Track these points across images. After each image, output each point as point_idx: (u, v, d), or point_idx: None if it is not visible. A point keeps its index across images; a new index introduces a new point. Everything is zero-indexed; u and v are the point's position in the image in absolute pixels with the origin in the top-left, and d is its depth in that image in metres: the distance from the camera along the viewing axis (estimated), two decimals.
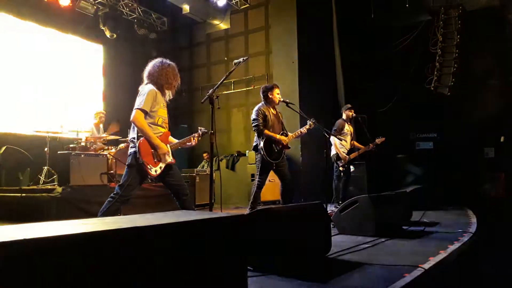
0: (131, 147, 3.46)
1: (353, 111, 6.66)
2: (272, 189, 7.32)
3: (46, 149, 6.54)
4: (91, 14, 9.02)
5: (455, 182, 7.47)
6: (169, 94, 3.63)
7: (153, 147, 3.40)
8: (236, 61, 3.79)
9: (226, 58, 10.81)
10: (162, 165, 3.48)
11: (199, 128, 3.87)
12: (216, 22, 10.70)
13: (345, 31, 8.39)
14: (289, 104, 5.05)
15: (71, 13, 8.80)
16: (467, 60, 7.83)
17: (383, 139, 6.44)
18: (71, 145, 6.59)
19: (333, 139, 6.36)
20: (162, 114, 3.52)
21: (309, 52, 8.52)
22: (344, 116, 6.70)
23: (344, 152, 6.45)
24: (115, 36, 9.37)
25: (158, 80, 3.50)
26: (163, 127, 3.54)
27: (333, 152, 6.53)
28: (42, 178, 6.33)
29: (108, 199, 3.39)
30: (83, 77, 9.42)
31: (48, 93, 8.48)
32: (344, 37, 8.39)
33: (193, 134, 3.80)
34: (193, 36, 11.63)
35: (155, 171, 3.42)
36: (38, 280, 1.15)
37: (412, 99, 8.27)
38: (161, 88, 3.52)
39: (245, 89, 10.37)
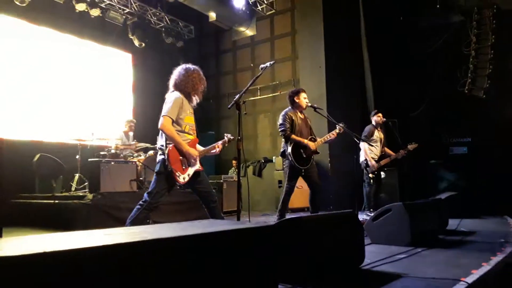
0: (159, 155, 3.45)
1: (381, 115, 6.45)
2: (300, 196, 7.17)
3: (77, 156, 6.65)
4: (120, 24, 9.19)
5: (492, 189, 7.10)
6: (196, 100, 3.60)
7: (182, 153, 3.38)
8: (262, 65, 3.72)
9: (252, 65, 10.78)
10: (191, 172, 3.45)
11: (225, 134, 3.83)
12: (242, 29, 10.70)
13: (373, 34, 8.18)
14: (317, 109, 4.93)
15: (101, 23, 9.00)
16: (503, 61, 7.47)
17: (416, 145, 6.19)
18: (102, 153, 6.67)
19: (362, 145, 6.17)
20: (189, 121, 3.50)
21: (336, 56, 8.36)
22: (373, 122, 6.51)
23: (373, 159, 6.24)
24: (143, 45, 9.50)
25: (184, 88, 3.48)
26: (190, 134, 3.52)
27: (362, 158, 6.34)
28: (74, 185, 6.43)
29: (137, 206, 3.37)
30: (113, 85, 9.58)
31: (80, 102, 8.66)
32: (372, 40, 8.18)
33: (218, 142, 3.75)
34: (220, 44, 11.67)
35: (184, 178, 3.39)
36: None
37: (444, 102, 7.96)
38: (187, 96, 3.50)
39: (271, 95, 10.30)
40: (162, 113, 3.36)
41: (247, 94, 10.76)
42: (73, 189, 6.38)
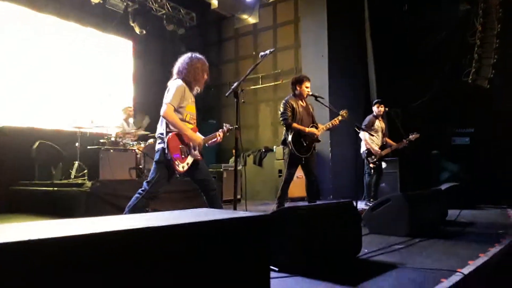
0: (158, 143, 3.44)
1: (383, 105, 6.41)
2: (300, 185, 7.15)
3: (77, 144, 6.64)
4: (121, 11, 9.11)
5: (494, 180, 7.07)
6: (197, 89, 3.58)
7: (187, 138, 3.39)
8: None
9: (254, 53, 10.69)
10: (190, 161, 3.45)
11: (224, 124, 3.80)
12: (244, 16, 10.57)
13: (377, 24, 8.09)
14: (318, 98, 4.89)
15: (102, 10, 8.92)
16: (509, 50, 7.37)
17: (417, 135, 6.16)
18: (101, 141, 6.66)
19: (363, 135, 6.14)
20: (190, 110, 3.49)
21: (339, 45, 8.29)
22: (374, 112, 6.47)
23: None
24: (144, 32, 9.43)
25: (186, 77, 3.47)
26: (191, 123, 3.51)
27: (363, 148, 6.31)
28: (73, 172, 6.43)
29: (136, 194, 3.38)
30: (113, 73, 9.54)
31: (80, 89, 8.63)
32: (376, 29, 8.09)
33: (218, 131, 3.74)
34: (222, 31, 11.58)
35: (183, 167, 3.39)
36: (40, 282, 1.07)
37: (448, 92, 7.89)
38: (189, 84, 3.49)
39: (273, 83, 10.23)
40: (165, 101, 3.34)
41: (248, 82, 10.73)
42: (72, 176, 6.38)
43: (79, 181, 5.99)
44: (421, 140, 6.30)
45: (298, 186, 6.91)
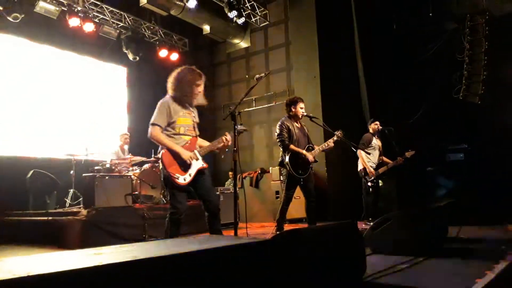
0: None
1: (378, 123, 6.44)
2: (298, 206, 7.09)
3: (72, 172, 6.56)
4: (114, 38, 9.16)
5: (491, 195, 7.04)
6: (196, 101, 3.56)
7: (174, 154, 3.33)
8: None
9: (247, 76, 10.76)
10: (193, 171, 3.39)
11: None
12: (236, 41, 10.70)
13: (367, 43, 8.19)
14: (312, 119, 4.90)
15: (95, 38, 8.96)
16: (497, 67, 7.47)
17: (413, 152, 6.16)
18: (96, 167, 6.58)
19: (359, 153, 6.13)
20: (183, 122, 3.46)
21: (331, 66, 8.36)
22: (370, 130, 6.49)
23: (371, 167, 6.19)
24: (137, 58, 9.47)
25: (174, 92, 3.48)
26: (187, 135, 3.48)
27: (360, 167, 6.29)
28: (68, 201, 6.35)
29: (167, 219, 3.42)
30: (108, 100, 9.53)
31: (74, 117, 8.58)
32: (366, 48, 8.19)
33: (225, 134, 3.61)
34: (214, 56, 11.67)
35: (184, 179, 3.33)
36: None
37: (440, 109, 7.94)
38: (179, 99, 3.47)
39: (266, 105, 10.26)
40: (150, 122, 3.37)
41: (242, 105, 10.75)
42: (67, 205, 6.28)
43: (75, 210, 5.89)
44: (416, 157, 6.30)
45: (296, 207, 6.82)
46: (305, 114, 4.97)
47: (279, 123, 4.93)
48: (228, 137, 3.58)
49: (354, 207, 6.96)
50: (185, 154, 3.37)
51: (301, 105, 5.00)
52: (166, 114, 3.37)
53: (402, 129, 7.75)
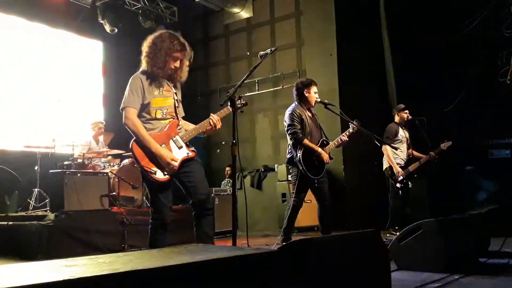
0: None
1: (408, 112, 6.44)
2: (308, 212, 7.12)
3: (36, 167, 6.58)
4: (87, 6, 9.15)
5: None
6: (179, 78, 3.47)
7: (154, 150, 3.20)
8: (262, 53, 3.67)
9: (248, 53, 10.75)
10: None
11: (235, 112, 3.38)
12: (235, 10, 10.65)
13: (395, 15, 8.15)
14: (328, 106, 4.90)
15: (64, 5, 8.93)
16: None
17: (450, 143, 6.16)
18: (66, 163, 6.60)
19: (384, 149, 6.13)
20: (159, 103, 3.35)
21: (350, 42, 8.34)
22: (396, 119, 6.49)
23: (399, 164, 6.20)
24: (116, 30, 9.45)
25: (146, 66, 3.35)
26: (166, 119, 3.38)
27: (385, 165, 6.30)
28: (32, 202, 6.38)
29: (149, 226, 3.35)
30: (79, 81, 9.53)
31: (38, 102, 8.58)
32: (394, 22, 8.15)
33: (211, 116, 3.52)
34: (209, 28, 11.66)
35: (164, 174, 3.24)
36: None
37: (482, 96, 7.92)
38: (152, 75, 3.36)
39: (272, 89, 10.26)
40: (120, 107, 3.29)
41: (243, 89, 10.75)
42: (31, 207, 6.31)
43: (40, 213, 5.92)
44: (452, 154, 6.30)
45: (306, 213, 6.85)
46: (319, 100, 4.97)
47: (289, 111, 4.92)
48: (214, 119, 3.47)
49: (376, 213, 6.98)
50: (163, 157, 3.20)
51: (315, 89, 5.00)
52: (138, 94, 3.26)
53: (435, 119, 7.74)
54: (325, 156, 4.80)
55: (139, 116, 3.29)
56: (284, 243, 4.82)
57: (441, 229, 3.73)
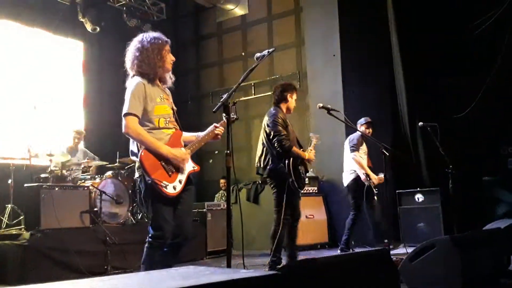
0: (137, 169, 3.38)
1: (370, 128, 6.63)
2: (309, 228, 7.15)
3: (10, 181, 6.56)
4: (66, 3, 9.17)
5: None
6: (170, 78, 3.55)
7: (162, 157, 3.27)
8: (258, 54, 3.70)
9: (243, 54, 10.78)
10: (183, 177, 3.36)
11: (229, 119, 3.44)
12: (229, 6, 10.69)
13: (404, 11, 8.20)
14: (331, 111, 4.93)
15: (41, 2, 8.94)
16: None
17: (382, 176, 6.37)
18: (42, 175, 6.60)
19: (357, 157, 6.39)
20: (161, 111, 3.42)
21: (356, 42, 8.38)
22: (361, 132, 6.63)
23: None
24: (98, 29, 9.48)
25: (141, 70, 3.40)
26: (169, 128, 3.44)
27: (350, 178, 6.57)
28: (4, 220, 6.35)
29: (146, 245, 3.34)
30: (57, 85, 9.52)
31: (12, 109, 8.57)
32: (403, 19, 8.20)
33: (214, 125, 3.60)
34: (200, 27, 11.69)
35: (174, 188, 3.29)
36: None
37: (501, 100, 7.95)
38: (149, 78, 3.41)
39: (269, 93, 10.25)
40: (123, 113, 3.30)
41: (238, 93, 10.73)
42: (3, 225, 6.29)
43: (13, 232, 5.89)
44: (469, 164, 6.32)
45: (306, 229, 6.90)
46: (321, 105, 5.00)
47: (272, 115, 4.92)
48: (221, 130, 3.56)
49: (386, 229, 6.98)
50: (177, 156, 3.31)
51: (295, 96, 5.10)
52: (141, 101, 3.31)
53: (448, 125, 7.76)
54: (311, 157, 4.86)
55: (142, 124, 3.33)
56: (270, 264, 4.81)
57: (457, 247, 3.73)
